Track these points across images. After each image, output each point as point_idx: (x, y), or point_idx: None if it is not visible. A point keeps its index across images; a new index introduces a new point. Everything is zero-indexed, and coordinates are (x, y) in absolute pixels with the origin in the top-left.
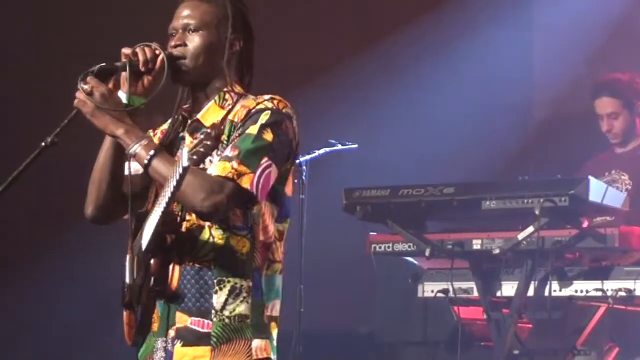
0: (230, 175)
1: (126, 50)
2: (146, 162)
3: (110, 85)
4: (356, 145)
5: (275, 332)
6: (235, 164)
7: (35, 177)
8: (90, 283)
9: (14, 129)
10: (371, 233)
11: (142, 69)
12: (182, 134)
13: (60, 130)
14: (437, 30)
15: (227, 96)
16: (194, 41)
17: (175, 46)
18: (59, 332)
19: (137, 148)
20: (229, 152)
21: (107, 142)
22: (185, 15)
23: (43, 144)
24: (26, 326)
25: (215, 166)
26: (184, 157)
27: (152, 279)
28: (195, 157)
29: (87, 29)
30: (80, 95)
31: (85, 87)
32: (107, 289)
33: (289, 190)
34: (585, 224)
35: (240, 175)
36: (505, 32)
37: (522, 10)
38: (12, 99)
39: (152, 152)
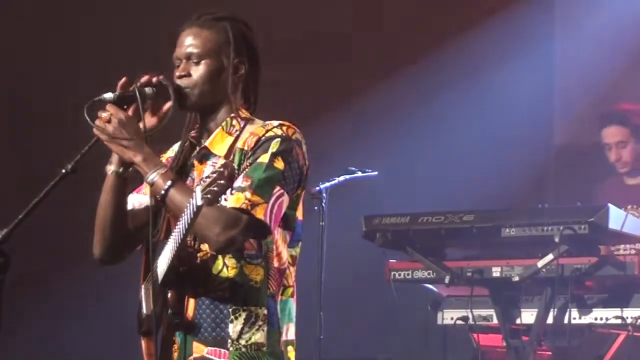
0: (244, 206)
1: (121, 82)
2: (163, 191)
3: (130, 112)
4: (376, 172)
5: (293, 356)
6: (248, 194)
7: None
8: (107, 312)
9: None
10: (390, 260)
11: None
12: (190, 161)
13: (80, 157)
14: (457, 60)
15: (234, 122)
16: (198, 70)
17: (180, 76)
18: None
19: (154, 176)
20: (241, 183)
21: (109, 182)
22: (187, 44)
23: (63, 170)
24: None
25: (229, 197)
26: (197, 195)
27: (170, 311)
28: (209, 196)
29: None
30: (98, 122)
31: (104, 114)
32: (123, 320)
33: (299, 214)
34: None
35: (254, 205)
36: (525, 60)
37: (543, 38)
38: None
39: (169, 182)
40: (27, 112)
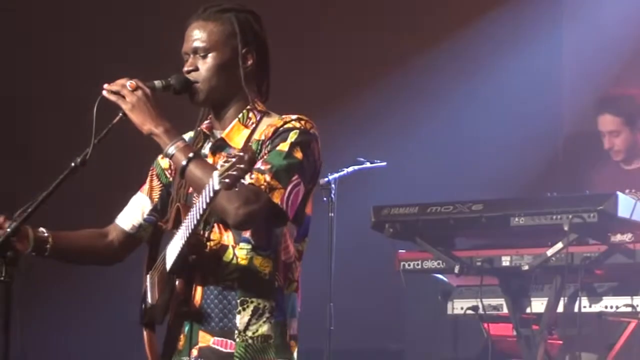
0: (262, 187)
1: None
2: (184, 163)
3: None
4: (384, 163)
5: (295, 352)
6: (267, 177)
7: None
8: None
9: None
10: (400, 250)
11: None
12: (203, 151)
13: (90, 152)
14: (465, 49)
15: (251, 114)
16: (206, 64)
17: (188, 71)
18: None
19: (173, 149)
20: (260, 166)
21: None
22: (193, 38)
23: (72, 164)
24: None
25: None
26: (214, 179)
27: (178, 299)
28: (227, 181)
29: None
30: (123, 89)
31: (131, 82)
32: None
33: (308, 210)
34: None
35: (272, 189)
36: (533, 48)
37: (551, 27)
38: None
39: (190, 155)
40: (28, 108)
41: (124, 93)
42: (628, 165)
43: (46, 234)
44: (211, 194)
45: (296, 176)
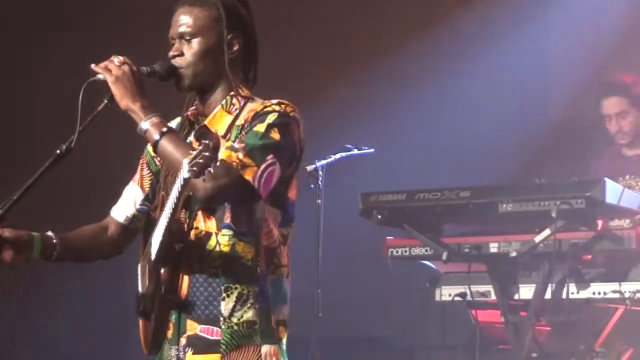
0: (234, 164)
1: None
2: (156, 138)
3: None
4: (372, 150)
5: (284, 336)
6: (240, 155)
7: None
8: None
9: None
10: (388, 237)
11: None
12: (189, 138)
13: (75, 139)
14: (452, 38)
15: (234, 100)
16: (191, 49)
17: (173, 56)
18: (73, 344)
19: (147, 125)
20: (234, 144)
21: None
22: (179, 23)
23: (57, 151)
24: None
25: (221, 153)
26: (184, 168)
27: (163, 288)
28: (195, 169)
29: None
30: (110, 64)
31: (119, 57)
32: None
33: (292, 194)
34: (599, 226)
35: (244, 166)
36: (520, 34)
37: (538, 13)
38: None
39: (164, 129)
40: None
41: (111, 67)
42: (630, 150)
43: (54, 240)
44: (182, 182)
45: (271, 156)
